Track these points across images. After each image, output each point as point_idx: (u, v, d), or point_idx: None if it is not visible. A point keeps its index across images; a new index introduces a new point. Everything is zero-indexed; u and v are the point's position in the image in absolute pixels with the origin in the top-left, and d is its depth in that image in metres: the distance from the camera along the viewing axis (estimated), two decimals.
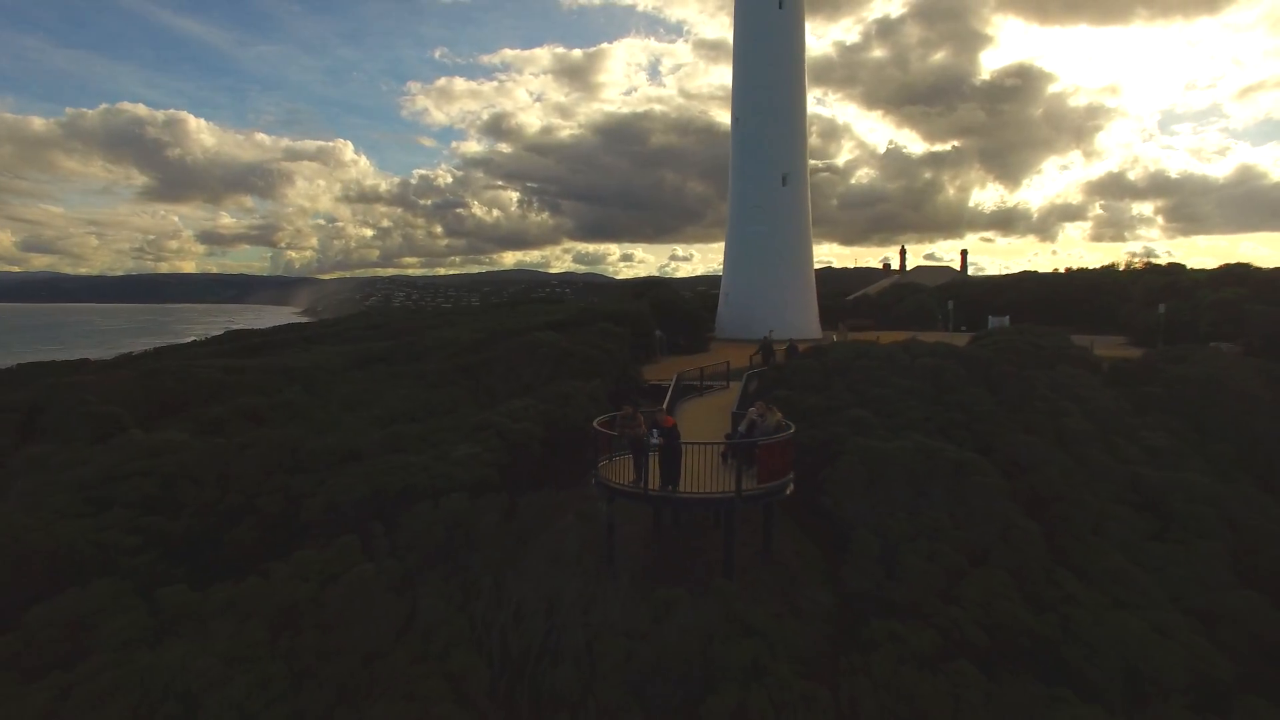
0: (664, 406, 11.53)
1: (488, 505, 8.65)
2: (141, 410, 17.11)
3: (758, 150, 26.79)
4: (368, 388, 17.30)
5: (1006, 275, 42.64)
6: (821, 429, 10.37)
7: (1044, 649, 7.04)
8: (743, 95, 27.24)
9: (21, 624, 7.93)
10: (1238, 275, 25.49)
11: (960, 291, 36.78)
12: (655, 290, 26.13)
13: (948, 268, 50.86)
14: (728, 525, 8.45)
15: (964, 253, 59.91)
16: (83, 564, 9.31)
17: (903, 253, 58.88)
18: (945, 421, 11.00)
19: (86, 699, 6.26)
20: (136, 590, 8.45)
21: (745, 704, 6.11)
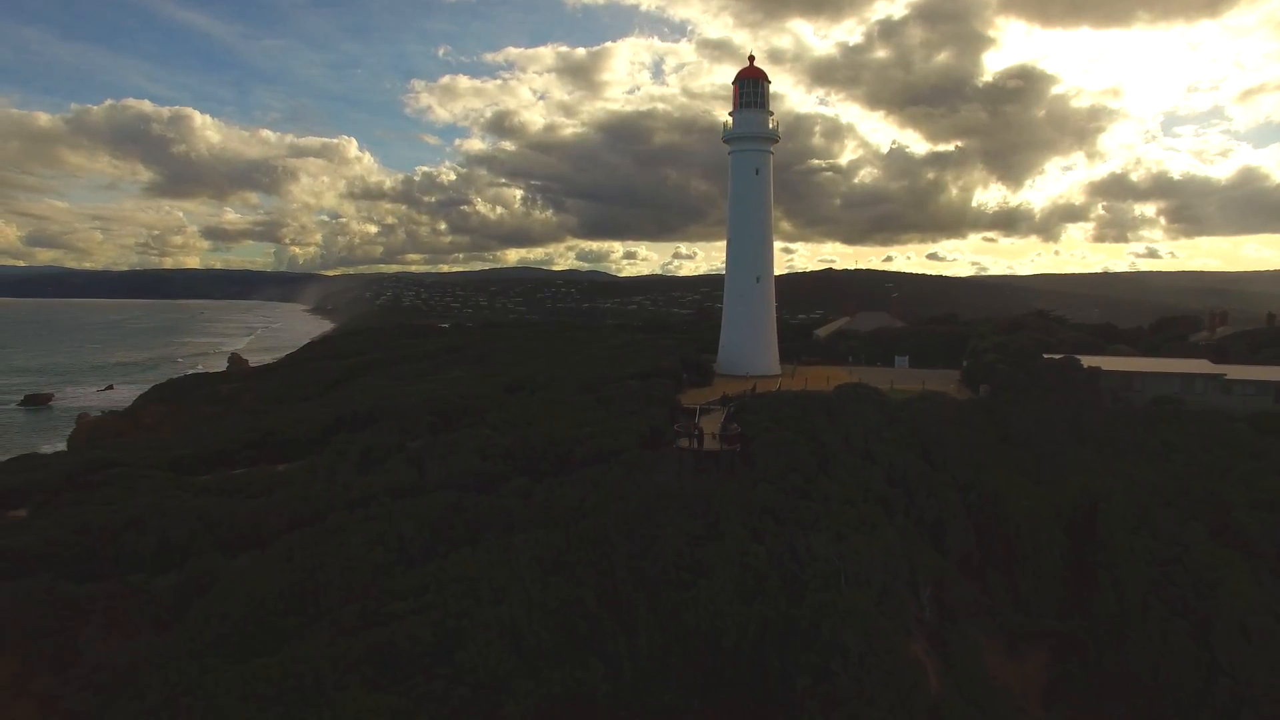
0: (696, 419, 29.35)
1: (641, 454, 26.34)
2: (438, 417, 34.87)
3: (743, 260, 44.52)
4: (546, 410, 34.65)
5: (921, 319, 60.41)
6: (752, 429, 27.97)
7: (801, 490, 24.66)
8: (734, 226, 44.88)
9: (502, 491, 25.42)
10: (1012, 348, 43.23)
11: (882, 336, 54.44)
12: (681, 350, 44.18)
13: (883, 313, 68.23)
14: (716, 462, 26.23)
15: (894, 298, 76.84)
16: (500, 477, 26.84)
17: (851, 305, 76.52)
18: (802, 428, 28.58)
19: (558, 503, 23.79)
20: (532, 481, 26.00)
21: (722, 495, 23.80)
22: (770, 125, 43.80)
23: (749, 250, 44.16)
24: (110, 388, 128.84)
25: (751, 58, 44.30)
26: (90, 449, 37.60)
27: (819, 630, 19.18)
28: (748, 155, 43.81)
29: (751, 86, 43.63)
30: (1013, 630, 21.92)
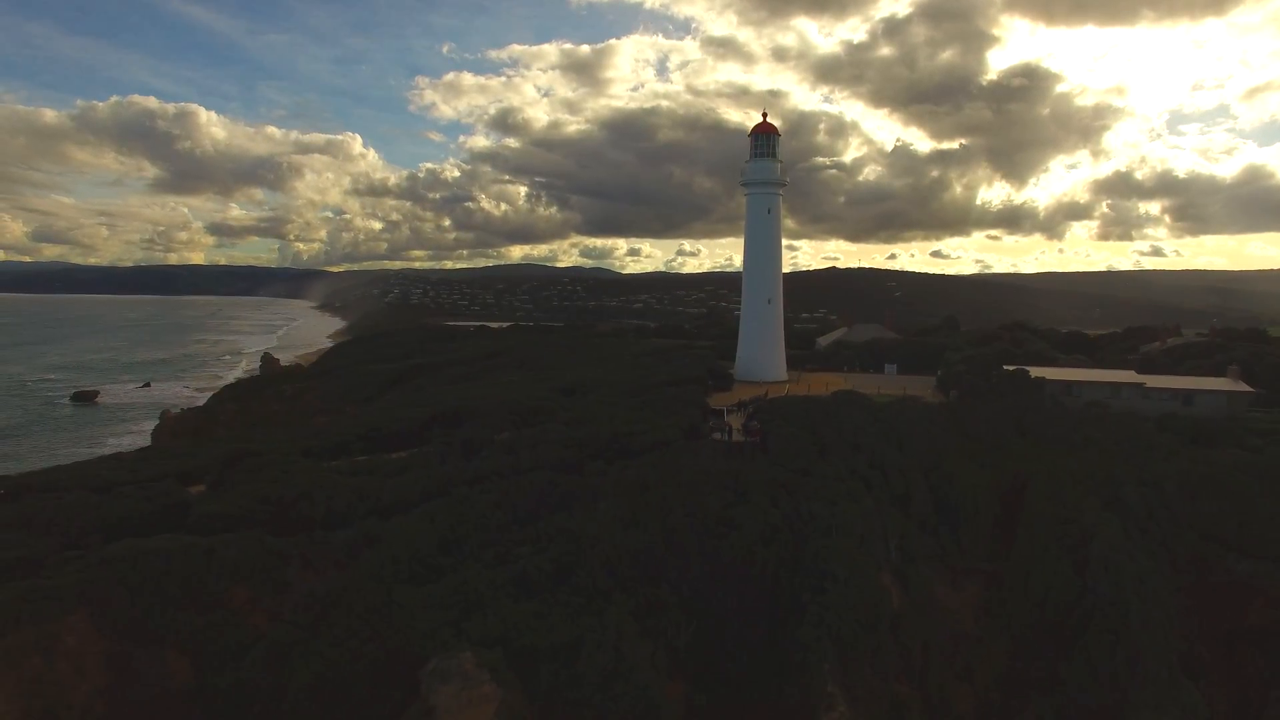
0: (725, 417, 38.19)
1: (685, 444, 35.05)
2: (516, 416, 43.63)
3: (757, 284, 53.19)
4: (603, 410, 43.26)
5: (911, 331, 69.11)
6: (768, 425, 36.68)
7: (804, 470, 33.44)
8: (749, 256, 53.54)
9: (582, 470, 34.04)
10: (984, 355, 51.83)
11: (875, 346, 63.15)
12: (705, 362, 53.03)
13: (877, 325, 76.78)
14: (742, 450, 35.05)
15: (897, 296, 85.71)
16: (579, 461, 35.49)
17: (849, 317, 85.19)
18: (805, 425, 37.29)
19: (627, 479, 32.51)
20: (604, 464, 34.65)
21: (747, 474, 32.58)
22: (778, 173, 52.43)
23: (761, 277, 52.86)
24: (148, 385, 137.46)
25: (765, 114, 52.96)
26: (237, 440, 46.34)
27: (816, 564, 27.90)
28: (760, 197, 52.41)
29: (764, 140, 52.24)
30: (955, 569, 30.64)
